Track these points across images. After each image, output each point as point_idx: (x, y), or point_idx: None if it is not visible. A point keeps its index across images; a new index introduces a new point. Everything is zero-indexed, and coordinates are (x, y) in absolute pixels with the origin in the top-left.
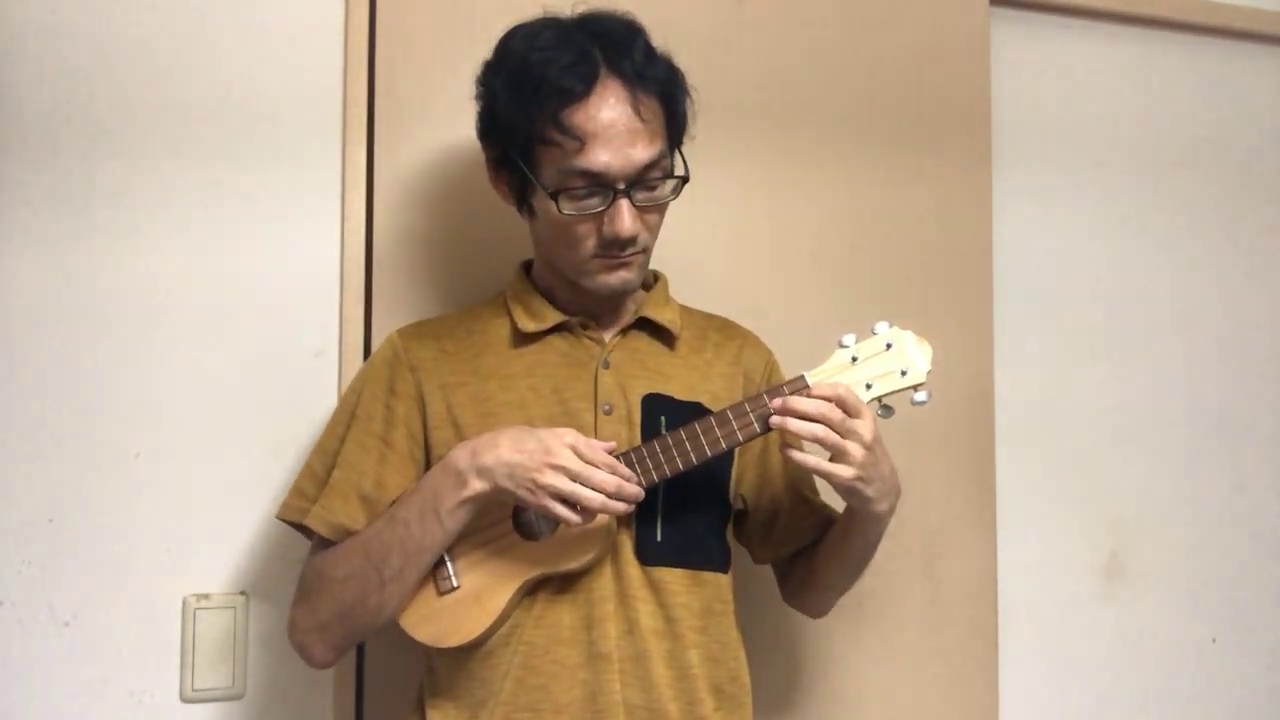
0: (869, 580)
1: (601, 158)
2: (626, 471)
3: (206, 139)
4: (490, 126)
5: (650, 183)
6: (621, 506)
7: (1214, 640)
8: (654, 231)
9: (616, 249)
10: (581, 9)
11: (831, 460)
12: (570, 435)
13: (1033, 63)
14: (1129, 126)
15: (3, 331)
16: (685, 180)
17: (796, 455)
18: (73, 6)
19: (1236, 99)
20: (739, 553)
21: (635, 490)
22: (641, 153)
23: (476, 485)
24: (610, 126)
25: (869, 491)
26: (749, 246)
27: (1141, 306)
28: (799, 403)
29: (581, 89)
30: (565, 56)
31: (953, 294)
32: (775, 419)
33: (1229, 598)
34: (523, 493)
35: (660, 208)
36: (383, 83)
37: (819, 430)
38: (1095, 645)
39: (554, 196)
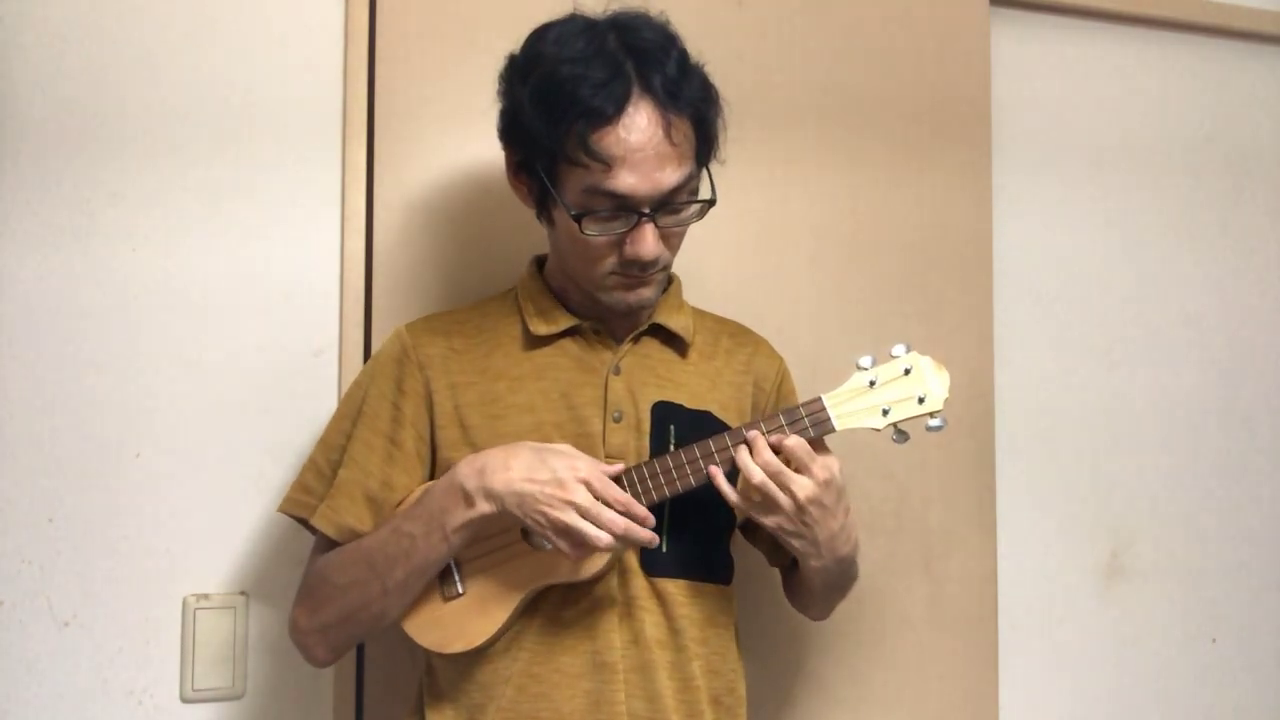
0: (869, 580)
1: (628, 181)
2: (643, 511)
3: (207, 139)
4: (513, 131)
5: (676, 206)
6: (625, 545)
7: (1214, 640)
8: (675, 250)
9: (637, 269)
10: (615, 7)
11: (760, 504)
12: (585, 468)
13: (1033, 63)
14: (1129, 126)
15: (3, 331)
16: (712, 203)
17: (719, 480)
18: (72, 7)
19: (1236, 99)
20: (737, 557)
21: (648, 536)
22: (669, 176)
23: (484, 507)
24: (639, 150)
25: (795, 544)
26: (748, 247)
27: (1141, 306)
28: (758, 443)
29: (613, 110)
30: (597, 73)
31: (953, 294)
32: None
33: (1229, 598)
34: (530, 522)
35: (684, 229)
36: (383, 83)
37: (756, 476)
38: (1095, 645)
39: (577, 219)
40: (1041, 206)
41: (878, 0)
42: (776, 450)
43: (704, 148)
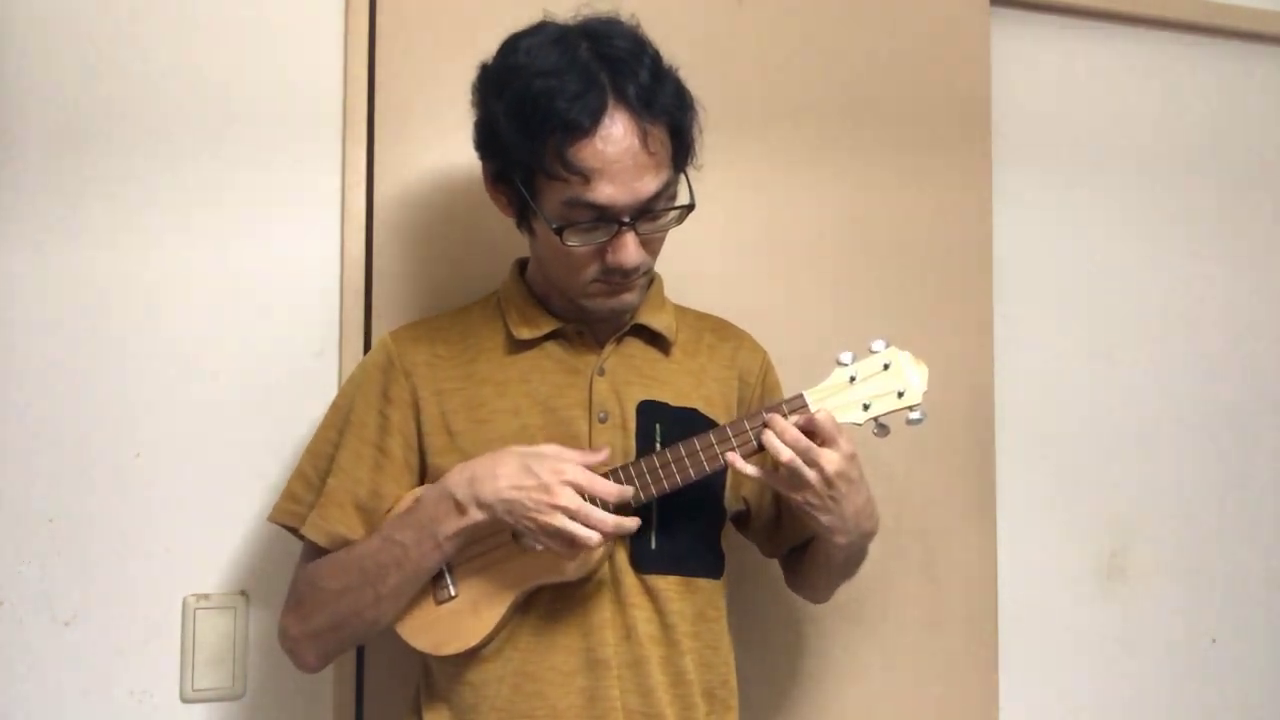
0: (869, 580)
1: (607, 191)
2: (629, 492)
3: (206, 139)
4: (489, 144)
5: (656, 213)
6: (615, 537)
7: (1214, 640)
8: (655, 254)
9: (619, 276)
10: (586, 11)
11: (788, 480)
12: (571, 471)
13: (1033, 63)
14: (1129, 126)
15: (2, 331)
16: (691, 208)
17: (738, 463)
18: (72, 7)
19: (1238, 99)
20: (734, 555)
21: (633, 524)
22: (648, 185)
23: (475, 515)
24: (617, 161)
25: (822, 519)
26: (747, 247)
27: (1142, 306)
28: (780, 423)
29: (589, 123)
30: (571, 85)
31: (953, 294)
32: (735, 460)
33: (1229, 598)
34: (520, 528)
35: (664, 233)
36: (383, 83)
37: (784, 455)
38: (1095, 645)
39: (558, 231)
40: (1041, 206)
41: (878, 0)
42: (803, 428)
43: (681, 153)
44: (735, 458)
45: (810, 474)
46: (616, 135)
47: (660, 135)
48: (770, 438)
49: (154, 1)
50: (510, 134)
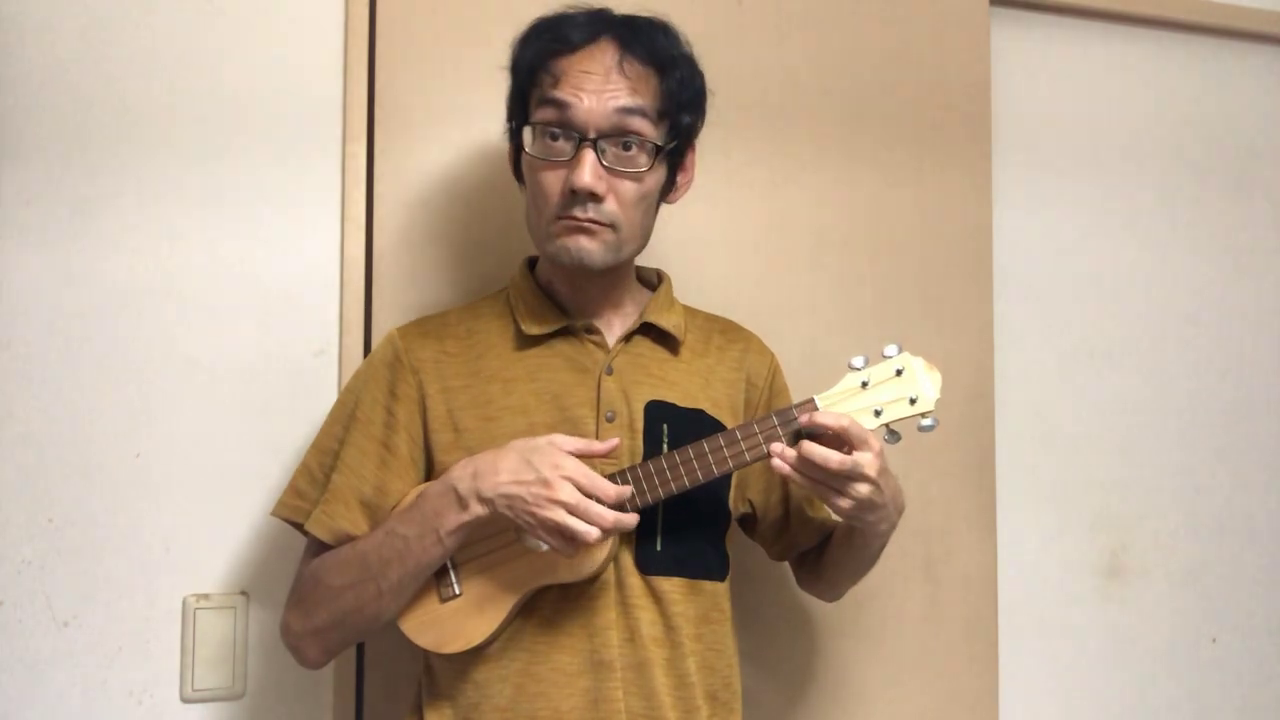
0: (869, 580)
1: (572, 91)
2: (628, 492)
3: (207, 139)
4: (509, 106)
5: (624, 141)
6: (614, 533)
7: (1214, 640)
8: (625, 206)
9: (578, 207)
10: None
11: (835, 495)
12: (570, 466)
13: (1033, 63)
14: (1129, 126)
15: (3, 331)
16: (660, 150)
17: (795, 480)
18: (73, 7)
19: (1236, 99)
20: (739, 557)
21: (632, 520)
22: (614, 99)
23: (477, 510)
24: (589, 71)
25: (869, 517)
26: (748, 247)
27: (1141, 306)
28: (822, 456)
29: (578, 39)
30: (579, 16)
31: (953, 294)
32: (776, 463)
33: (1229, 598)
34: (520, 523)
35: (633, 177)
36: (383, 83)
37: (829, 482)
38: (1095, 645)
39: (521, 130)
40: (1041, 206)
41: (878, 0)
42: (820, 436)
43: (667, 103)
44: (793, 477)
45: (864, 489)
46: (596, 55)
47: (639, 69)
48: (820, 492)
49: (155, 3)
50: (514, 59)
